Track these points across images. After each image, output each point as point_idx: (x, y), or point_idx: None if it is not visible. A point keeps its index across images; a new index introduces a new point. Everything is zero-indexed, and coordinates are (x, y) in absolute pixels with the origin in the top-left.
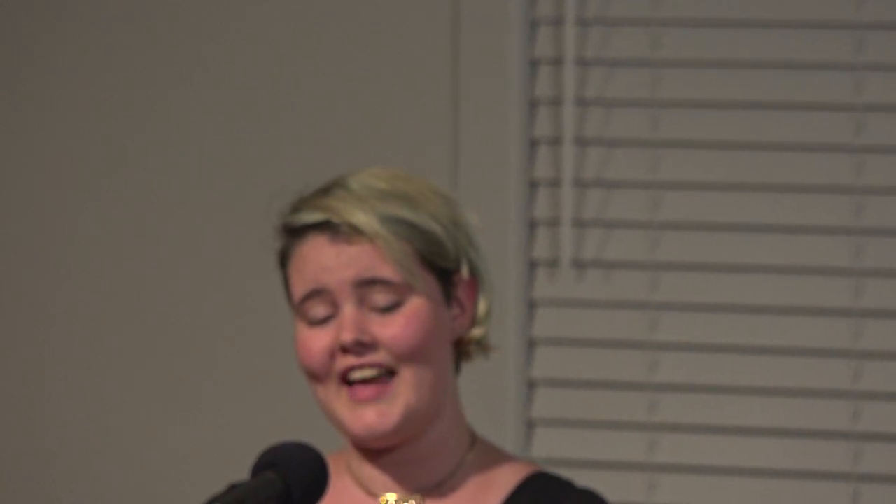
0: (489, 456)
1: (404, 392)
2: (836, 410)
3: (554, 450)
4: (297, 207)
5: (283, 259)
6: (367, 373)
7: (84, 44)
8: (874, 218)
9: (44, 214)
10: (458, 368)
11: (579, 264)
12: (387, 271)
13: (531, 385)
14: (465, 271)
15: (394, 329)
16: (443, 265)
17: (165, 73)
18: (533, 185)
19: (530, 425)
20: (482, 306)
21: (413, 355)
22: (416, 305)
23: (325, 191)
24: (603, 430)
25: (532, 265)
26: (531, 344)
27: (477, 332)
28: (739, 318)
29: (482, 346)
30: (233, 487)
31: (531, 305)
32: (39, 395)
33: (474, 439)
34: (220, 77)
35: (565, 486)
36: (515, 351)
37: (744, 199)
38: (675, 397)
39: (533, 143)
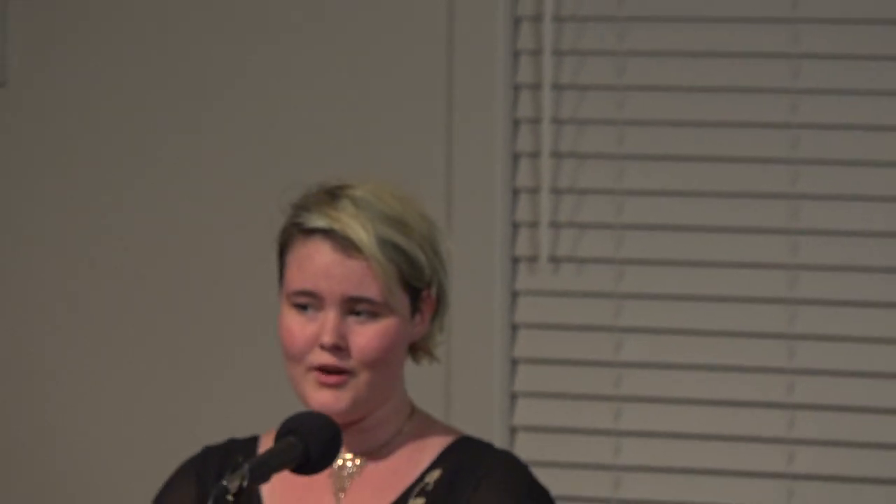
0: (423, 424)
1: (359, 388)
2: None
3: (534, 418)
4: (307, 207)
5: (284, 243)
6: (335, 367)
7: (87, 47)
8: (808, 220)
9: (44, 214)
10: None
11: (555, 260)
12: (373, 291)
13: (514, 363)
14: (433, 291)
15: (365, 340)
16: (417, 285)
17: (166, 75)
18: (516, 192)
19: (513, 398)
20: (439, 323)
21: (374, 364)
22: (388, 324)
23: (334, 196)
24: (576, 400)
25: (515, 261)
26: (514, 328)
27: (435, 344)
28: (693, 306)
29: (432, 355)
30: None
31: (514, 295)
32: (39, 395)
33: (413, 411)
34: (220, 78)
35: (486, 447)
36: (501, 334)
37: (696, 204)
38: (637, 373)
39: (516, 157)
